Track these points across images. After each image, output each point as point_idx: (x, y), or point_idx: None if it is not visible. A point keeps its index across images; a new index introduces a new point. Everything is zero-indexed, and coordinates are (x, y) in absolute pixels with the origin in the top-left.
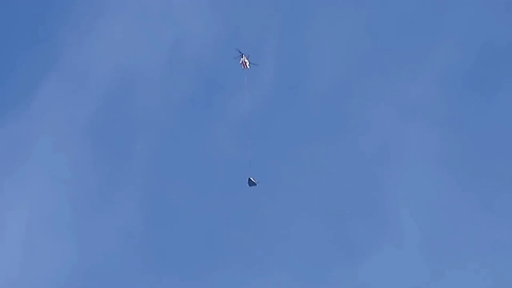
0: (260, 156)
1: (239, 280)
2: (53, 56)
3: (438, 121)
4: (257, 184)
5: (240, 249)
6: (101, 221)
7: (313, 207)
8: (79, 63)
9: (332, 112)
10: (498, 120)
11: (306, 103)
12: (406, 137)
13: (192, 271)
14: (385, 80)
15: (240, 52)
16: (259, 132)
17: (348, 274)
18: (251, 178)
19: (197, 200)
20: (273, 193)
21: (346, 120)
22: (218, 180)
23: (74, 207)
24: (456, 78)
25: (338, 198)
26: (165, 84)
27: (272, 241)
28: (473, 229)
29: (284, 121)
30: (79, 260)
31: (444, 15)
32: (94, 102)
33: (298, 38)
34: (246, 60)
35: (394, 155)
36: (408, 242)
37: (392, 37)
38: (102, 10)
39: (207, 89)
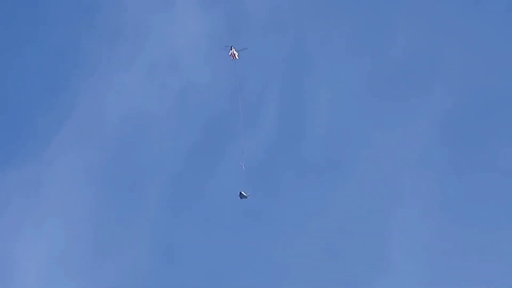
0: (260, 197)
1: None
2: (70, 106)
3: (435, 166)
4: (247, 197)
5: (244, 285)
6: (112, 262)
7: (312, 245)
8: (93, 111)
9: (330, 157)
10: (498, 166)
11: (306, 148)
12: (402, 182)
13: None
14: (382, 127)
15: (227, 46)
16: (259, 174)
17: None
18: (242, 192)
19: (205, 241)
20: (275, 232)
21: (344, 165)
22: (225, 221)
23: (86, 247)
24: (454, 124)
25: (335, 238)
26: (172, 129)
27: (275, 277)
28: (466, 269)
29: (283, 164)
30: None
31: (440, 62)
32: (107, 147)
33: (299, 85)
34: (234, 52)
35: (390, 198)
36: (403, 278)
37: (389, 85)
38: (115, 62)
39: (212, 133)
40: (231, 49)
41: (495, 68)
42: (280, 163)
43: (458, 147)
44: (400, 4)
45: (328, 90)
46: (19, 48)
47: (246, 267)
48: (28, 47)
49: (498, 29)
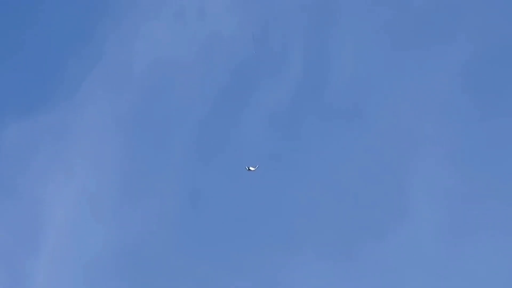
0: (284, 146)
1: (267, 257)
2: (98, 53)
3: (456, 113)
4: (255, 169)
5: (268, 230)
6: (139, 206)
7: (334, 190)
8: (121, 58)
9: (353, 103)
10: None
11: (329, 95)
12: (424, 128)
13: (226, 252)
14: (404, 74)
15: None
16: (284, 120)
17: (370, 252)
18: (249, 167)
19: (230, 187)
20: (299, 177)
21: (366, 111)
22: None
23: (114, 192)
24: (476, 72)
25: (357, 183)
26: (199, 76)
27: (298, 223)
28: (487, 215)
29: (308, 112)
30: (120, 240)
31: (461, 11)
32: (134, 93)
33: (323, 33)
34: None
35: (412, 144)
36: (424, 224)
37: (412, 33)
38: (143, 10)
39: (238, 80)
40: None
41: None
42: (304, 109)
43: (480, 94)
44: None
45: (352, 38)
46: None
47: (271, 211)
48: None
49: None
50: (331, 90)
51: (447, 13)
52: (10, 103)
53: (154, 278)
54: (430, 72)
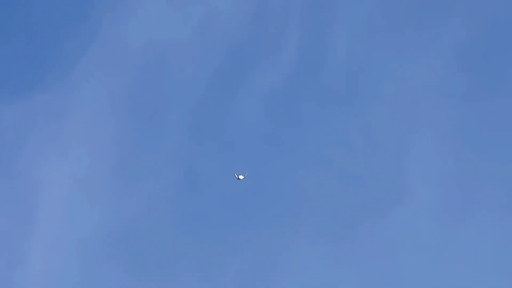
0: (280, 127)
1: (264, 239)
2: (94, 32)
3: (452, 95)
4: (244, 177)
5: (265, 211)
6: (134, 188)
7: (331, 172)
8: (116, 38)
9: (349, 86)
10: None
11: (325, 77)
12: (420, 110)
13: (222, 234)
14: (399, 58)
15: None
16: (280, 102)
17: (368, 233)
18: (238, 176)
19: (227, 168)
20: (295, 159)
21: (361, 93)
22: (246, 148)
23: (109, 173)
24: (471, 53)
25: (354, 165)
26: (194, 56)
27: (295, 204)
28: (484, 196)
29: (304, 93)
30: (115, 221)
31: None
32: (129, 74)
33: (320, 17)
34: None
35: (408, 126)
36: (421, 205)
37: (407, 14)
38: None
39: (234, 60)
40: None
41: None
42: (300, 90)
43: (476, 76)
44: None
45: (348, 20)
46: None
47: (267, 193)
48: None
49: None
50: (328, 71)
51: None
52: (4, 82)
53: (150, 259)
54: (426, 54)
